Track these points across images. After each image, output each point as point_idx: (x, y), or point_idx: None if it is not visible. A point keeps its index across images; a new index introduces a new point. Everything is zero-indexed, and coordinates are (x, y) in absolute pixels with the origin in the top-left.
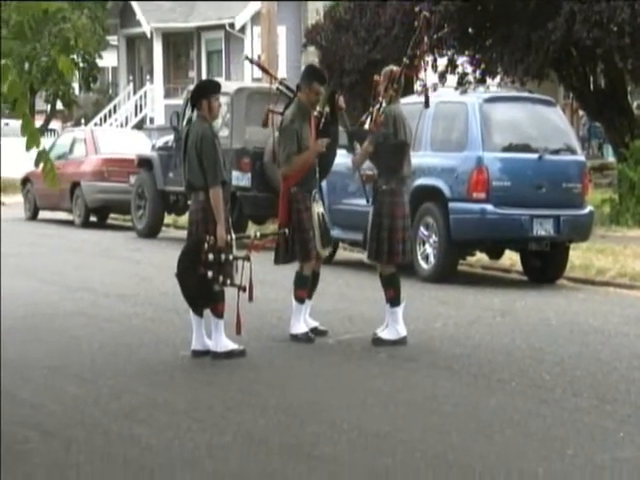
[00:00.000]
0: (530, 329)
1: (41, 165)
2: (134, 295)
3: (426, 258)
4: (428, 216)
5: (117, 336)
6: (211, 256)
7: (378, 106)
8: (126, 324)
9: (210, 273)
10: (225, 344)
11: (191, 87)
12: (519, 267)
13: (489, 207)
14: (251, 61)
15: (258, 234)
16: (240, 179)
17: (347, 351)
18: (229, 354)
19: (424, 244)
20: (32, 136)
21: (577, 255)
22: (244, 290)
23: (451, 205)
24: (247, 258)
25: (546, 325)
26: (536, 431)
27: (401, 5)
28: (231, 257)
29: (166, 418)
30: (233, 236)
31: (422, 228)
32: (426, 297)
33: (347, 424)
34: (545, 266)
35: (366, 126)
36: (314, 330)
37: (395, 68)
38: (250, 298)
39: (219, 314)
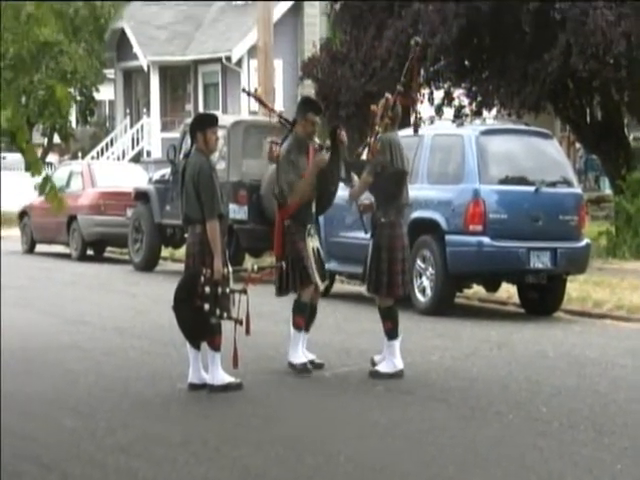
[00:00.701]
0: (527, 361)
1: (45, 192)
2: (131, 328)
3: (423, 291)
4: (425, 249)
5: (113, 369)
6: (208, 289)
7: (375, 135)
8: (122, 357)
9: (207, 306)
10: (222, 377)
11: (188, 120)
12: (516, 299)
13: (486, 240)
14: (248, 93)
15: (255, 267)
16: (237, 212)
17: (344, 384)
18: (226, 387)
19: (421, 277)
20: (35, 164)
21: (574, 287)
22: (241, 323)
23: (448, 238)
24: (244, 291)
25: (543, 357)
26: (533, 464)
27: (397, 38)
28: (228, 290)
29: (162, 452)
30: (230, 269)
31: (419, 261)
32: (423, 330)
33: (344, 457)
34: (542, 298)
35: (363, 156)
36: (311, 363)
37: (390, 96)
38: (247, 331)
39: (216, 347)
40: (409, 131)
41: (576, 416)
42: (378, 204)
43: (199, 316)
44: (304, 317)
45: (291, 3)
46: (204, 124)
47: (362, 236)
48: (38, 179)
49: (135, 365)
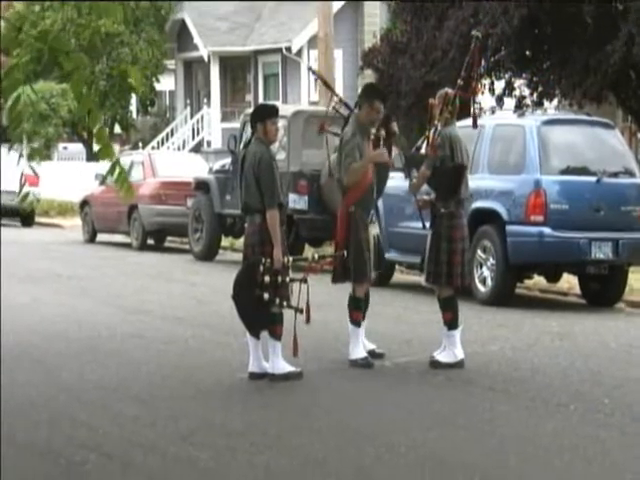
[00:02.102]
0: (589, 352)
1: (114, 176)
2: (191, 318)
3: (483, 281)
4: (485, 239)
5: (174, 358)
6: (267, 278)
7: (434, 129)
8: (183, 346)
9: (266, 295)
10: (282, 366)
11: (249, 111)
12: (577, 290)
13: (547, 230)
14: (313, 72)
15: (316, 256)
16: (297, 202)
17: (404, 374)
18: (286, 376)
19: (481, 267)
20: (106, 147)
21: (636, 278)
22: (301, 312)
23: (509, 228)
24: (304, 280)
25: (605, 348)
26: (595, 455)
27: (457, 28)
28: (288, 279)
29: (223, 441)
30: (290, 258)
31: (479, 251)
32: (483, 320)
33: (404, 447)
34: (603, 289)
35: (422, 150)
36: (371, 352)
37: (449, 90)
38: (307, 320)
39: (277, 336)
40: (469, 122)
41: (638, 407)
42: (438, 196)
43: (259, 305)
44: (360, 312)
45: None
46: (264, 114)
47: (422, 227)
48: (100, 169)
49: (196, 354)
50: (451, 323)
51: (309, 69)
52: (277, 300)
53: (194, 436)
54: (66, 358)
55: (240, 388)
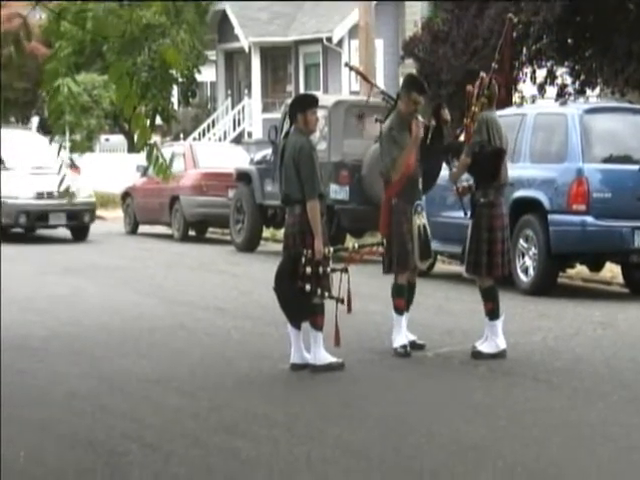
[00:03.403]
0: (632, 342)
1: (152, 160)
2: (233, 309)
3: (525, 271)
4: (527, 228)
5: (216, 349)
6: (309, 269)
7: (471, 116)
8: (225, 337)
9: (308, 286)
10: (324, 357)
11: (289, 101)
12: (620, 279)
13: (589, 219)
14: (351, 68)
15: (356, 246)
16: (338, 192)
17: (446, 364)
18: (328, 367)
19: (523, 256)
20: (143, 131)
21: None
22: (342, 302)
23: (551, 217)
24: (345, 270)
25: None
26: (638, 444)
27: (499, 16)
28: (329, 269)
29: (265, 431)
30: (330, 249)
31: (521, 240)
32: (525, 310)
33: (446, 437)
34: None
35: (461, 138)
36: (412, 343)
37: (485, 75)
38: (349, 309)
39: (318, 327)
40: (511, 110)
41: None
42: (477, 184)
43: (301, 296)
44: (403, 299)
45: None
46: (304, 105)
47: (462, 216)
48: (142, 156)
49: (238, 345)
50: (492, 313)
51: (346, 65)
52: (318, 291)
53: (236, 427)
54: (108, 349)
55: (282, 379)
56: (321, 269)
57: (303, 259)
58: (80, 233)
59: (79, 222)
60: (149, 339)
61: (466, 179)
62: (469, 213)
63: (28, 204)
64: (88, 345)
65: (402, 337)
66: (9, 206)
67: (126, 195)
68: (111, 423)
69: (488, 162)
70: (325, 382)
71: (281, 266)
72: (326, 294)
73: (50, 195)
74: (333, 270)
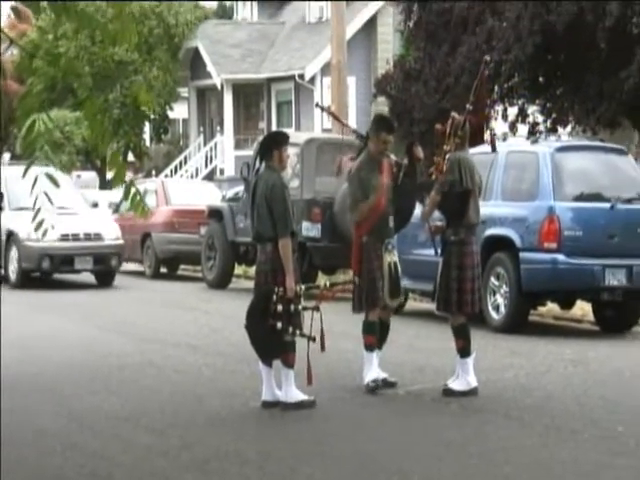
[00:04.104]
0: (603, 379)
1: (129, 197)
2: (204, 346)
3: (497, 308)
4: (499, 266)
5: (187, 387)
6: (280, 307)
7: (443, 155)
8: (196, 375)
9: (279, 324)
10: (295, 395)
11: (261, 138)
12: (591, 317)
13: (561, 257)
14: (322, 108)
15: (327, 283)
16: (310, 229)
17: (417, 402)
18: (299, 405)
19: (495, 294)
20: (119, 169)
21: None
22: (314, 340)
23: (522, 255)
24: (316, 308)
25: (619, 375)
26: None
27: (471, 54)
28: (300, 307)
29: (237, 469)
30: (302, 286)
31: (493, 278)
32: (497, 347)
33: (418, 475)
34: (618, 316)
35: (433, 176)
36: (384, 381)
37: (457, 115)
38: (322, 348)
39: (290, 364)
40: (483, 148)
41: None
42: (448, 223)
43: (272, 334)
44: (374, 336)
45: (364, 20)
46: (277, 142)
47: (434, 254)
48: (113, 198)
49: (209, 382)
50: (464, 351)
51: (317, 105)
52: (290, 329)
53: (207, 465)
54: (77, 387)
55: (253, 416)
56: (292, 307)
57: (274, 296)
58: (106, 278)
59: (106, 266)
60: (119, 376)
61: (439, 219)
62: (439, 251)
63: (52, 247)
64: (58, 382)
65: (373, 373)
66: (30, 249)
67: None
68: (80, 462)
69: (456, 202)
70: (297, 420)
71: (252, 303)
72: (297, 332)
73: (76, 237)
74: (305, 308)
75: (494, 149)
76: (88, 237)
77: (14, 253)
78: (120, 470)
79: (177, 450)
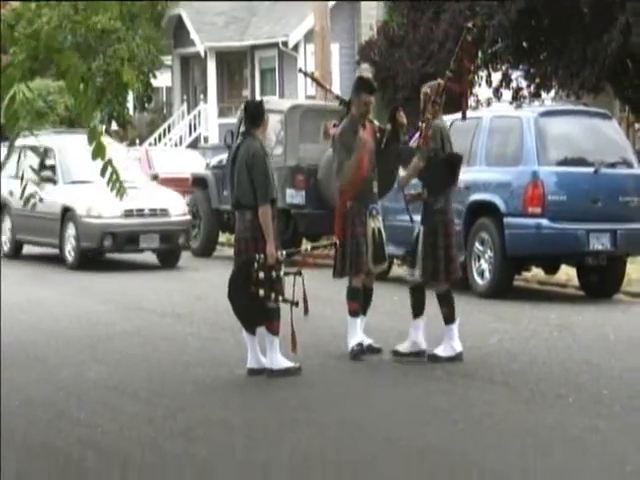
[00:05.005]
0: (587, 344)
1: (106, 176)
2: (190, 314)
3: (481, 274)
4: (483, 231)
5: (173, 355)
6: (262, 274)
7: (426, 121)
8: (182, 343)
9: (262, 291)
10: (281, 362)
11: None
12: (575, 282)
13: (545, 222)
14: (305, 74)
15: (309, 247)
16: (294, 196)
17: (403, 368)
18: (285, 372)
19: (479, 259)
20: (98, 146)
21: (634, 269)
22: (297, 305)
23: (506, 220)
24: (299, 273)
25: (603, 340)
26: (594, 447)
27: (454, 20)
28: (282, 274)
29: (222, 437)
30: (283, 252)
31: (477, 243)
32: (482, 313)
33: (404, 441)
34: (602, 280)
35: (412, 143)
36: (369, 347)
37: (441, 82)
38: (306, 311)
39: (274, 332)
40: (467, 113)
41: (637, 398)
42: (430, 190)
43: (255, 302)
44: (358, 302)
45: None
46: (262, 111)
47: (417, 220)
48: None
49: (194, 351)
50: (448, 317)
51: (300, 71)
52: (272, 295)
53: (193, 432)
54: (65, 356)
55: (239, 384)
56: (274, 273)
57: (255, 264)
58: (170, 258)
59: (172, 245)
60: (106, 346)
61: (414, 186)
62: (417, 219)
63: (115, 224)
64: (44, 351)
65: (357, 338)
66: (90, 226)
67: None
68: (67, 430)
69: (443, 169)
70: (282, 387)
71: (234, 273)
72: (280, 298)
73: (140, 213)
74: (286, 274)
75: (464, 117)
76: (154, 213)
77: (71, 231)
78: (106, 438)
79: (163, 418)
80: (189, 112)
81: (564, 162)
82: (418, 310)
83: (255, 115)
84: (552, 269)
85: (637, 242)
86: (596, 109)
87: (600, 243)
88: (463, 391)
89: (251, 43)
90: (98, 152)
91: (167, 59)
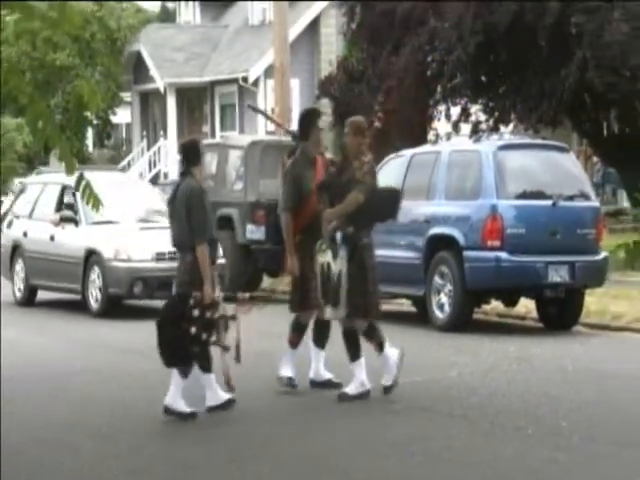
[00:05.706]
0: (546, 376)
1: (80, 190)
2: (150, 350)
3: (441, 307)
4: (443, 265)
5: (134, 392)
6: (196, 312)
7: (369, 157)
8: (142, 380)
9: (193, 329)
10: (218, 396)
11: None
12: (534, 314)
13: (504, 255)
14: (254, 109)
15: (247, 295)
16: (254, 232)
17: (362, 402)
18: (223, 406)
19: (439, 293)
20: (69, 162)
21: (592, 301)
22: (227, 350)
23: (466, 253)
24: (233, 317)
25: (562, 372)
26: (553, 479)
27: (413, 55)
28: (217, 315)
29: (184, 474)
30: (220, 294)
31: (437, 277)
32: (442, 346)
33: (362, 474)
34: (561, 313)
35: (357, 175)
36: (328, 382)
37: (362, 119)
38: (237, 359)
39: (207, 370)
40: (425, 147)
41: (596, 430)
42: (359, 225)
43: (183, 339)
44: (297, 335)
45: (307, 22)
46: (198, 152)
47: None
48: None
49: (154, 388)
50: (356, 353)
51: (249, 106)
52: (204, 336)
53: (154, 469)
54: (24, 395)
55: (198, 421)
56: (209, 314)
57: (191, 301)
58: None
59: None
60: (65, 384)
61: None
62: (342, 253)
63: (145, 268)
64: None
65: (287, 370)
66: (118, 271)
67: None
68: (26, 470)
69: (387, 203)
70: (242, 423)
71: (167, 306)
72: (212, 340)
73: (173, 256)
74: (222, 317)
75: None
76: None
77: (96, 276)
78: (68, 477)
79: (124, 455)
80: (149, 148)
81: (523, 195)
82: (355, 351)
83: (192, 154)
84: (511, 302)
85: (595, 274)
86: (554, 142)
87: (559, 275)
88: (422, 424)
89: (211, 79)
90: (70, 167)
91: (127, 95)
